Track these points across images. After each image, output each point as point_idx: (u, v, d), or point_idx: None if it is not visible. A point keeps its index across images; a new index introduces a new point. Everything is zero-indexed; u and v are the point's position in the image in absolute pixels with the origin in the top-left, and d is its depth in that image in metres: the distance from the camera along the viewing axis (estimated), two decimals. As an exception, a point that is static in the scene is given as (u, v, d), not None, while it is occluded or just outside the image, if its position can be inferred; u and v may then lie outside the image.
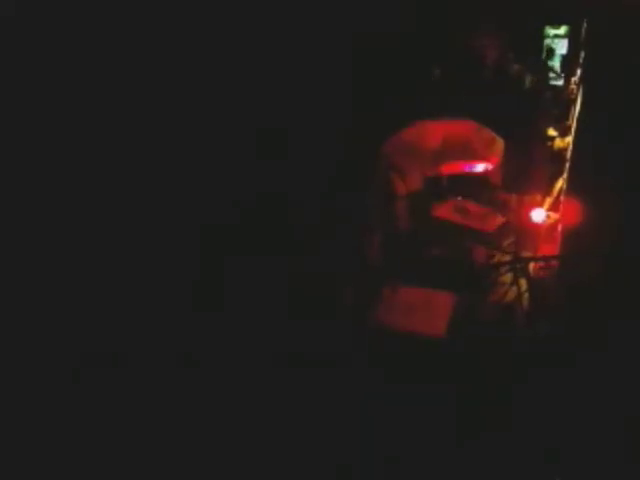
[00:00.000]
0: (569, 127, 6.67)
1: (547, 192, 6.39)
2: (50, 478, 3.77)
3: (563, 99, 8.22)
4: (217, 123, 5.57)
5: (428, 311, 4.94)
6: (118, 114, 4.97)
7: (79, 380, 4.22)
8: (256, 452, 3.83)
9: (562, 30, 9.23)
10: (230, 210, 5.40)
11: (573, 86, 7.77)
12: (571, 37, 8.92)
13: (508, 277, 5.54)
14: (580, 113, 4.61)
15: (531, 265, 5.45)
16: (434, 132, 6.00)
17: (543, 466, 3.60)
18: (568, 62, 8.70)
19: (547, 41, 9.29)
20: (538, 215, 5.75)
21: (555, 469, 3.58)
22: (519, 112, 7.60)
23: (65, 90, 4.72)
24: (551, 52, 9.24)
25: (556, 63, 9.22)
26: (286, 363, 4.39)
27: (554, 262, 5.12)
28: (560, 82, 9.06)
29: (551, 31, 9.32)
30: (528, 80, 8.73)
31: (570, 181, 4.87)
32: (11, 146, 4.49)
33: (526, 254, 5.79)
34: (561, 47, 9.21)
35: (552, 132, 7.80)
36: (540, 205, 6.10)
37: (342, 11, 6.60)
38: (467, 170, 5.89)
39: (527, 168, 6.83)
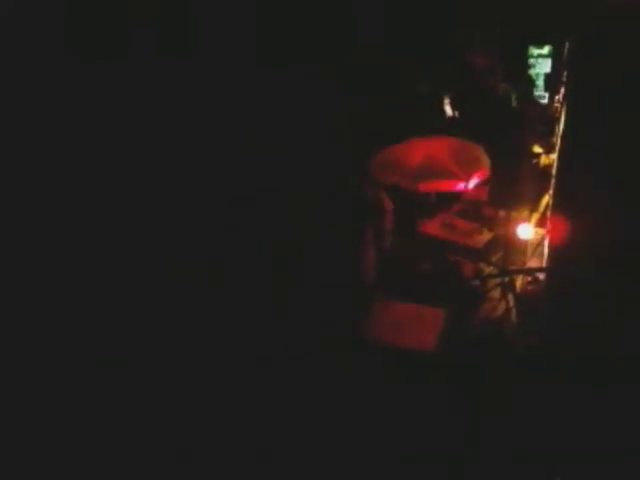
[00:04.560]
0: (554, 144, 6.79)
1: (534, 208, 6.47)
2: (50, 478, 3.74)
3: (548, 117, 8.38)
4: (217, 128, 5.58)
5: (418, 326, 4.96)
6: (117, 112, 4.97)
7: (79, 381, 4.20)
8: (258, 453, 3.83)
9: (545, 50, 9.44)
10: (227, 223, 5.40)
11: (557, 104, 7.92)
12: (554, 57, 9.12)
13: (497, 292, 5.59)
14: (564, 130, 4.70)
15: (518, 280, 5.50)
16: (417, 150, 6.04)
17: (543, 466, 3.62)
18: (552, 81, 8.89)
19: (531, 60, 9.49)
20: (525, 231, 5.81)
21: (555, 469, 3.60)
22: (506, 130, 7.72)
23: (64, 89, 4.72)
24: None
25: (540, 82, 9.41)
26: (284, 368, 4.39)
27: (541, 276, 5.17)
28: (545, 100, 9.24)
29: (535, 51, 9.53)
30: (514, 99, 8.89)
31: (556, 197, 4.94)
32: (11, 147, 4.48)
33: (513, 268, 5.84)
34: (545, 66, 9.41)
35: (538, 149, 7.94)
36: (527, 221, 6.17)
37: (335, 27, 6.68)
38: (444, 189, 5.95)
39: (514, 184, 6.92)
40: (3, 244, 4.36)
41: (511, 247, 5.97)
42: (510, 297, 5.17)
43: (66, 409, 4.03)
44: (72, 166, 4.75)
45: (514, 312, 5.13)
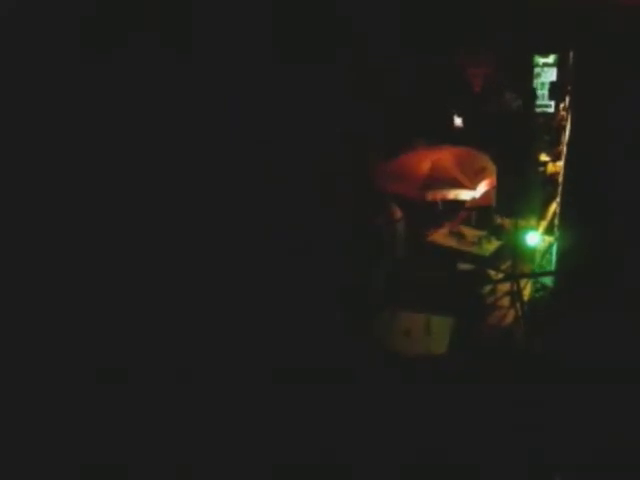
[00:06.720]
0: (560, 152, 6.81)
1: (541, 215, 6.49)
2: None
3: (554, 125, 8.41)
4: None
5: (426, 335, 4.97)
6: (118, 112, 5.01)
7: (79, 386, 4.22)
8: (258, 453, 3.85)
9: (551, 59, 9.49)
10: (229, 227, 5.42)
11: (563, 112, 7.95)
12: (559, 65, 9.17)
13: (506, 300, 5.59)
14: (569, 138, 4.73)
15: (526, 289, 5.51)
16: (424, 159, 6.07)
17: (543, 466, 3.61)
18: (557, 89, 8.92)
19: (537, 69, 9.55)
20: (533, 238, 5.82)
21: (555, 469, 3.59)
22: (513, 139, 7.75)
23: (64, 90, 4.78)
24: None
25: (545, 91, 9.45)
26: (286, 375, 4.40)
27: (549, 283, 5.18)
28: (551, 109, 9.28)
29: (540, 59, 9.59)
30: (520, 108, 8.94)
31: (563, 204, 4.96)
32: (11, 147, 4.53)
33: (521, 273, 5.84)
34: (550, 75, 9.46)
35: (544, 157, 7.96)
36: (535, 228, 6.18)
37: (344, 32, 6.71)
38: (452, 198, 5.96)
39: (521, 192, 6.94)
40: (4, 245, 4.40)
41: (519, 255, 5.97)
42: (519, 305, 5.17)
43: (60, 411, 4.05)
44: (73, 167, 4.79)
45: (523, 320, 5.13)
